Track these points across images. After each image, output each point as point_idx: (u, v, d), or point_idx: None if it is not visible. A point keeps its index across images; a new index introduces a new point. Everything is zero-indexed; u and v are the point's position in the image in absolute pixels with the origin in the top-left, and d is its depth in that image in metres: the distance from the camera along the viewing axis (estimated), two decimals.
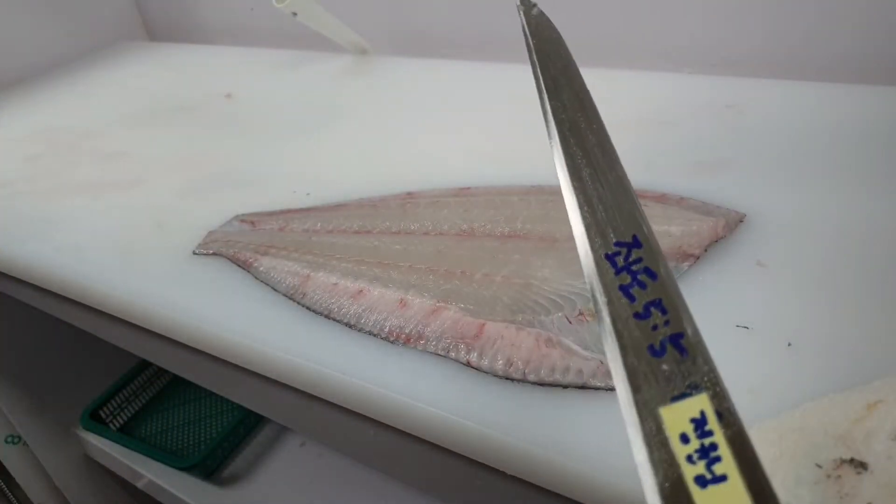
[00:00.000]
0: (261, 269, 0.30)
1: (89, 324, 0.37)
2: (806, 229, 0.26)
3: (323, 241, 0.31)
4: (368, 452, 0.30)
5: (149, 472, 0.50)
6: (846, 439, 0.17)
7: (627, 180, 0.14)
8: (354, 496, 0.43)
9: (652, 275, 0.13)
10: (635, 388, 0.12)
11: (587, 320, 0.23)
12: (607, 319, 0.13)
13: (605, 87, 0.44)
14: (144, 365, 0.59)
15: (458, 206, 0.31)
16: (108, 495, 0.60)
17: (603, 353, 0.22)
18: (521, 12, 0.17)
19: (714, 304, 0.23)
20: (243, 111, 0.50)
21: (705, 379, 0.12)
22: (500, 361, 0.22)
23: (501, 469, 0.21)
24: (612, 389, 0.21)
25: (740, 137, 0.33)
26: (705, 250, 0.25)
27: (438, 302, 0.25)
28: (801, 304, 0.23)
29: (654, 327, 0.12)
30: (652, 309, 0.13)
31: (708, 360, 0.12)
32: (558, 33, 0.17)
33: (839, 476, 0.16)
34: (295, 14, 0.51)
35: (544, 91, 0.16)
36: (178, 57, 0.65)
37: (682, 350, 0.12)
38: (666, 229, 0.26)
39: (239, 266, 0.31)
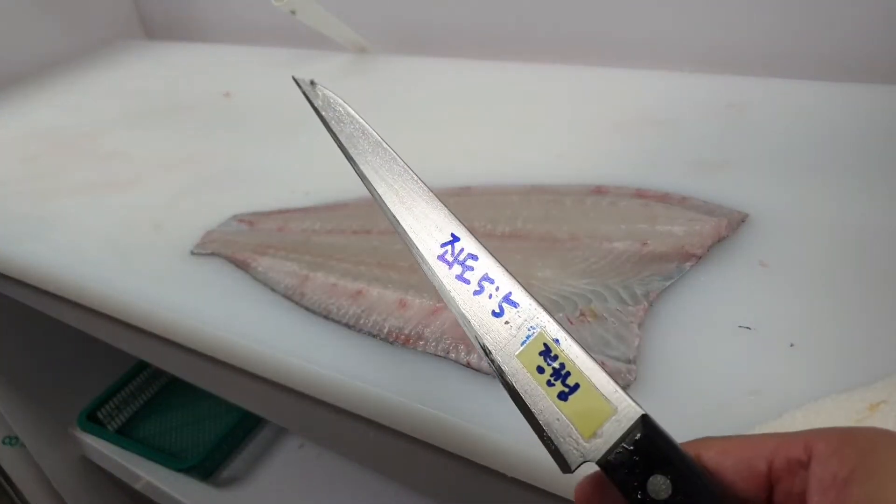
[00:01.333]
0: (259, 269, 0.30)
1: (87, 324, 0.37)
2: (809, 229, 0.26)
3: (321, 241, 0.31)
4: (367, 454, 0.29)
5: (147, 473, 0.49)
6: None
7: (433, 196, 0.17)
8: (353, 498, 0.43)
9: (474, 257, 0.16)
10: (495, 349, 0.14)
11: (588, 321, 0.23)
12: (454, 306, 0.15)
13: (606, 86, 0.44)
14: (142, 366, 0.59)
15: (458, 205, 0.31)
16: (106, 497, 0.60)
17: (604, 353, 0.22)
18: (305, 92, 0.20)
19: (716, 305, 0.23)
20: (242, 110, 0.50)
21: (537, 318, 0.14)
22: None
23: (502, 471, 0.21)
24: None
25: (742, 136, 0.33)
26: (708, 250, 0.25)
27: (438, 303, 0.25)
28: (804, 305, 0.23)
29: (490, 296, 0.15)
30: (483, 283, 0.15)
31: (532, 304, 0.15)
32: (342, 102, 0.20)
33: None
34: (294, 12, 0.51)
35: (348, 152, 0.19)
36: (176, 55, 0.65)
37: (514, 304, 0.15)
38: (668, 229, 0.26)
39: (237, 266, 0.31)
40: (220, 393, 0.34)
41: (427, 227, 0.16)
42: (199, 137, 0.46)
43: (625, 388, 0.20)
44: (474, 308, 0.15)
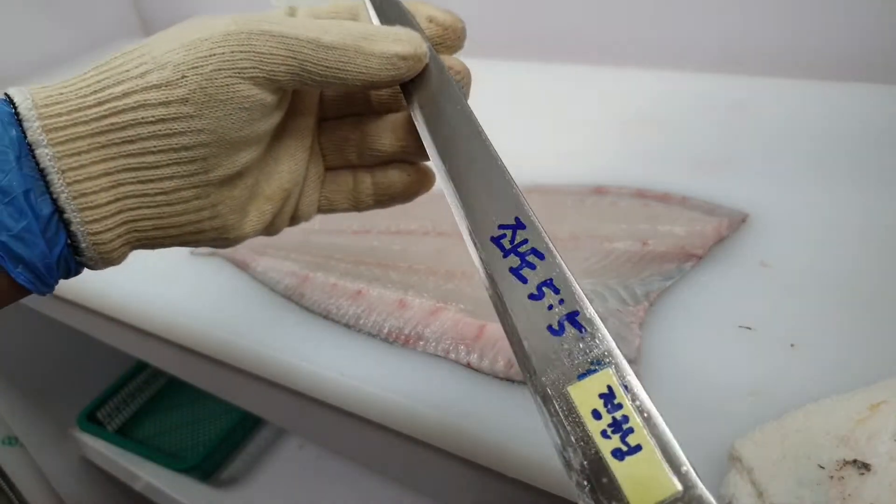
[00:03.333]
0: (258, 269, 0.30)
1: (86, 325, 0.37)
2: (809, 229, 0.26)
3: (321, 241, 0.31)
4: (367, 454, 0.29)
5: (146, 474, 0.49)
6: (849, 440, 0.17)
7: (504, 167, 0.14)
8: (352, 498, 0.43)
9: (539, 255, 0.13)
10: (541, 370, 0.12)
11: None
12: (500, 305, 0.13)
13: (607, 86, 0.44)
14: (142, 366, 0.59)
15: None
16: (106, 497, 0.60)
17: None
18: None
19: (717, 305, 0.23)
20: None
21: (606, 354, 0.12)
22: (501, 363, 0.22)
23: (501, 472, 0.21)
24: None
25: (743, 136, 0.33)
26: (708, 250, 0.25)
27: (438, 303, 0.25)
28: (804, 305, 0.23)
29: (550, 307, 0.12)
30: (544, 289, 0.13)
31: (605, 335, 0.12)
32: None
33: (842, 477, 0.16)
34: (292, 14, 0.51)
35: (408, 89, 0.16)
36: None
37: (580, 327, 0.12)
38: (669, 229, 0.26)
39: (237, 266, 0.31)
40: (219, 393, 0.34)
41: (487, 201, 0.14)
42: None
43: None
44: (526, 314, 0.12)
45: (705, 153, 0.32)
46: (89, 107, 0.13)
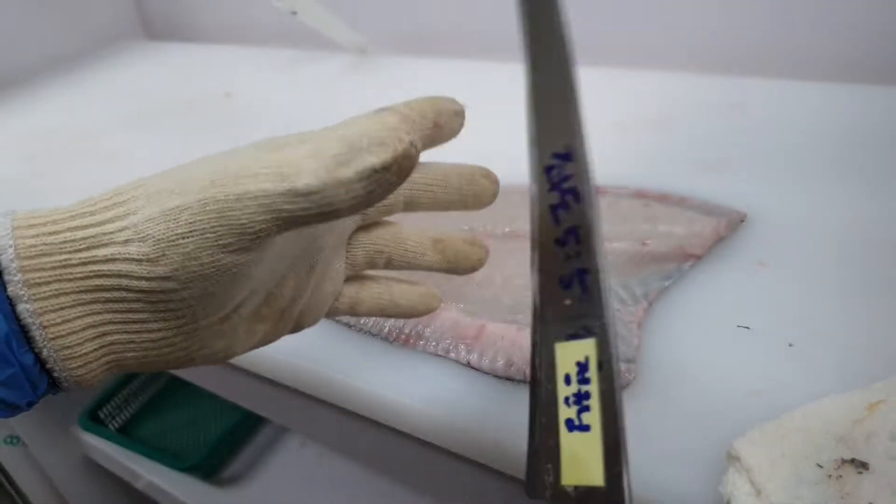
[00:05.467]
0: None
1: None
2: (808, 229, 0.26)
3: None
4: (368, 453, 0.29)
5: (148, 472, 0.49)
6: (847, 440, 0.17)
7: (579, 96, 0.14)
8: (354, 497, 0.43)
9: (577, 196, 0.12)
10: (544, 319, 0.12)
11: None
12: (532, 244, 0.13)
13: (607, 85, 0.44)
14: None
15: None
16: (107, 496, 0.60)
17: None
18: None
19: (715, 305, 0.23)
20: (242, 111, 0.50)
21: (598, 324, 0.12)
22: (501, 362, 0.22)
23: (502, 470, 0.21)
24: None
25: (742, 137, 0.33)
26: (707, 250, 0.25)
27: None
28: (803, 305, 0.23)
29: (568, 257, 0.12)
30: (570, 237, 0.12)
31: (603, 305, 0.12)
32: None
33: (840, 476, 0.16)
34: (294, 13, 0.51)
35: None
36: (176, 56, 0.65)
37: (584, 287, 0.12)
38: (668, 229, 0.26)
39: None
40: (220, 392, 0.34)
41: (551, 128, 0.13)
42: (200, 138, 0.46)
43: (623, 388, 0.20)
44: (546, 256, 0.12)
45: (704, 153, 0.32)
46: (74, 265, 0.12)
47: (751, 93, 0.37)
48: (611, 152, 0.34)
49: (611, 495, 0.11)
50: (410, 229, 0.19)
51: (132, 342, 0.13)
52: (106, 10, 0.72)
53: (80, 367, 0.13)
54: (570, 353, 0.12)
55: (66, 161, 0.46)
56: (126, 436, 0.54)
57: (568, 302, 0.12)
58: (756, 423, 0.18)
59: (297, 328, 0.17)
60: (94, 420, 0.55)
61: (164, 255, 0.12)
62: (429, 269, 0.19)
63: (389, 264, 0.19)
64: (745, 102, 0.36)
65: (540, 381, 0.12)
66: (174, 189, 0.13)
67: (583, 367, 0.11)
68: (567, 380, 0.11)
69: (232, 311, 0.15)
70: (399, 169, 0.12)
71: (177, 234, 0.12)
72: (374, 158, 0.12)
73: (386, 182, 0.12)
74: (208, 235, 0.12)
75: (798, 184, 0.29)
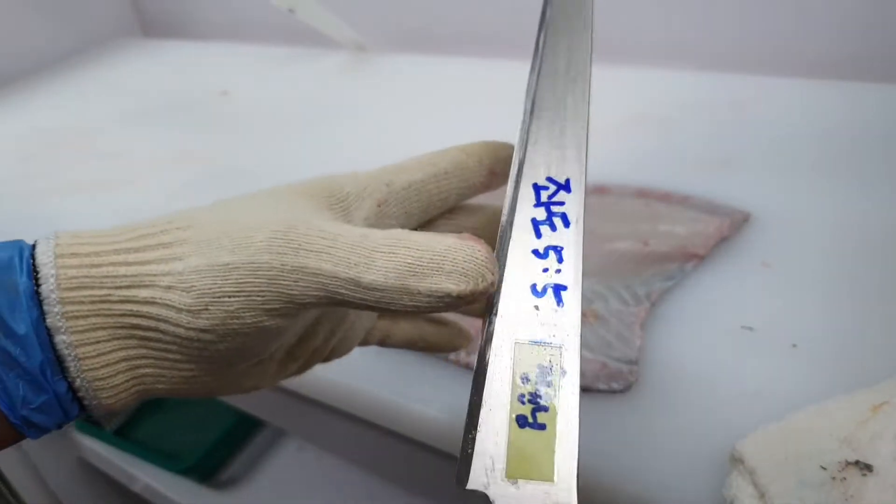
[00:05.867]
0: None
1: None
2: (812, 229, 0.26)
3: None
4: (366, 456, 0.29)
5: (145, 475, 0.49)
6: (851, 441, 0.17)
7: (587, 130, 0.14)
8: (352, 500, 0.43)
9: (566, 223, 0.13)
10: (504, 315, 0.12)
11: (590, 321, 0.23)
12: (503, 242, 0.13)
13: (607, 85, 0.44)
14: None
15: None
16: (104, 499, 0.59)
17: (605, 354, 0.22)
18: None
19: (718, 305, 0.23)
20: (239, 108, 0.49)
21: (568, 337, 0.12)
22: None
23: None
24: (615, 392, 0.21)
25: (744, 136, 0.33)
26: (710, 250, 0.25)
27: None
28: (806, 306, 0.22)
29: (545, 270, 0.12)
30: (551, 252, 0.12)
31: (576, 325, 0.12)
32: None
33: (844, 478, 0.16)
34: (292, 10, 0.50)
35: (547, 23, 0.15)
36: (173, 54, 0.64)
37: (560, 301, 0.12)
38: (670, 229, 0.26)
39: None
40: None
41: (550, 149, 0.13)
42: (197, 136, 0.46)
43: (622, 390, 0.20)
44: (520, 263, 0.12)
45: (707, 153, 0.32)
46: (114, 301, 0.12)
47: (754, 91, 0.37)
48: (612, 151, 0.34)
49: (561, 491, 0.11)
50: None
51: (163, 377, 0.13)
52: (103, 8, 0.71)
53: (110, 396, 0.13)
54: (532, 355, 0.12)
55: (64, 159, 0.46)
56: (122, 438, 0.54)
57: (537, 308, 0.12)
58: (759, 424, 0.18)
59: (327, 360, 0.17)
60: (90, 422, 0.54)
61: (206, 308, 0.12)
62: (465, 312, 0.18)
63: None
64: (749, 101, 0.36)
65: (489, 373, 0.12)
66: (226, 244, 0.12)
67: (545, 369, 0.12)
68: (524, 379, 0.12)
69: (266, 357, 0.15)
70: (471, 301, 0.12)
71: (223, 292, 0.12)
72: (453, 286, 0.12)
73: (452, 307, 0.12)
74: (255, 298, 0.12)
75: (803, 183, 0.29)
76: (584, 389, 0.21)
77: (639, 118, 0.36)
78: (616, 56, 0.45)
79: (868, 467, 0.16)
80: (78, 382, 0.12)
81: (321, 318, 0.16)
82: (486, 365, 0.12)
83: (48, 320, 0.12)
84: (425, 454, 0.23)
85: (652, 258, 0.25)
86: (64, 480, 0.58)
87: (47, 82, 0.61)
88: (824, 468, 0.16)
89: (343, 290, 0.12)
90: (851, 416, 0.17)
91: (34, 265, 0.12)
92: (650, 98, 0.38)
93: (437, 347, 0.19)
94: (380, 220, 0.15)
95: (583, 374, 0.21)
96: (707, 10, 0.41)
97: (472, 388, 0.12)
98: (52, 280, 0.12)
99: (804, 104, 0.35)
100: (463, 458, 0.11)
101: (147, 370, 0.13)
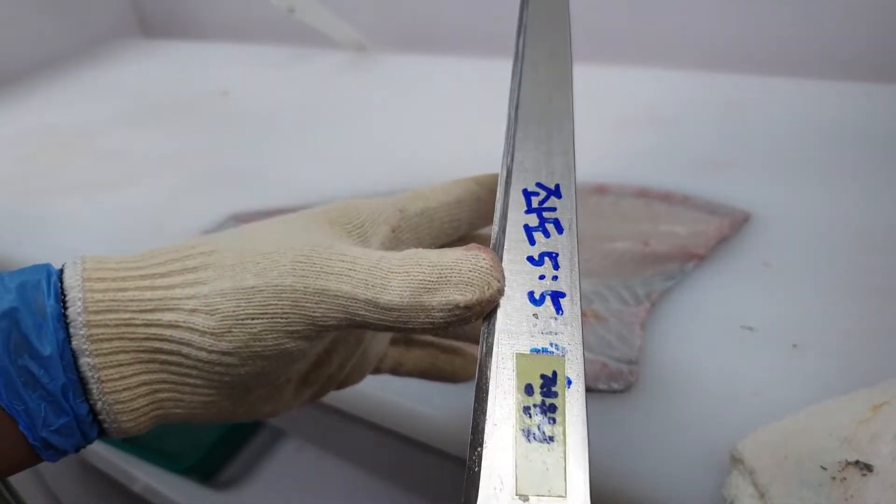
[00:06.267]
0: None
1: None
2: (812, 229, 0.26)
3: None
4: (366, 456, 0.29)
5: (145, 475, 0.49)
6: (851, 441, 0.17)
7: (573, 131, 0.14)
8: (352, 500, 0.43)
9: (559, 229, 0.13)
10: (503, 325, 0.12)
11: (590, 321, 0.23)
12: (501, 252, 0.13)
13: (607, 85, 0.44)
14: None
15: None
16: (104, 499, 0.59)
17: (605, 354, 0.22)
18: None
19: (719, 305, 0.23)
20: (240, 109, 0.49)
21: (570, 345, 0.12)
22: None
23: None
24: (615, 392, 0.21)
25: (745, 135, 0.33)
26: (710, 250, 0.25)
27: None
28: (807, 306, 0.22)
29: (542, 277, 0.12)
30: (546, 259, 0.12)
31: (578, 331, 0.12)
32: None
33: (844, 478, 0.16)
34: (292, 10, 0.50)
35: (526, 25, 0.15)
36: (173, 54, 0.64)
37: (559, 308, 0.12)
38: (671, 229, 0.26)
39: None
40: None
41: (539, 156, 0.13)
42: (198, 136, 0.46)
43: (622, 390, 0.20)
44: (515, 272, 0.12)
45: (707, 153, 0.32)
46: (138, 325, 0.13)
47: (755, 91, 0.37)
48: (613, 151, 0.34)
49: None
50: None
51: (182, 402, 0.13)
52: (103, 7, 0.71)
53: (129, 420, 0.13)
54: (534, 365, 0.11)
55: (64, 159, 0.46)
56: (122, 438, 0.53)
57: (536, 316, 0.12)
58: (759, 424, 0.18)
59: (340, 387, 0.17)
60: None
61: (229, 331, 0.12)
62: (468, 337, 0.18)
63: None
64: (750, 101, 0.36)
65: (491, 386, 0.11)
66: (251, 268, 0.13)
67: (549, 380, 0.11)
68: (528, 390, 0.11)
69: (283, 382, 0.15)
70: (481, 310, 0.12)
71: (247, 314, 0.12)
72: (459, 296, 0.12)
73: (465, 318, 0.12)
74: (278, 321, 0.12)
75: (803, 183, 0.29)
76: (585, 389, 0.21)
77: (639, 118, 0.36)
78: (616, 56, 0.45)
79: (868, 467, 0.16)
80: (99, 405, 0.12)
81: (336, 344, 0.16)
82: (488, 378, 0.11)
83: (73, 342, 0.12)
84: (425, 454, 0.23)
85: (652, 258, 0.25)
86: (64, 480, 0.58)
87: (47, 82, 0.61)
88: (824, 468, 0.16)
89: (362, 311, 0.12)
90: (851, 417, 0.17)
91: (62, 288, 0.13)
92: (650, 98, 0.38)
93: (450, 376, 0.19)
94: (394, 245, 0.15)
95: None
96: (707, 10, 0.41)
97: (475, 403, 0.11)
98: (79, 303, 0.12)
99: (804, 104, 0.35)
100: (469, 477, 0.11)
101: (166, 395, 0.13)
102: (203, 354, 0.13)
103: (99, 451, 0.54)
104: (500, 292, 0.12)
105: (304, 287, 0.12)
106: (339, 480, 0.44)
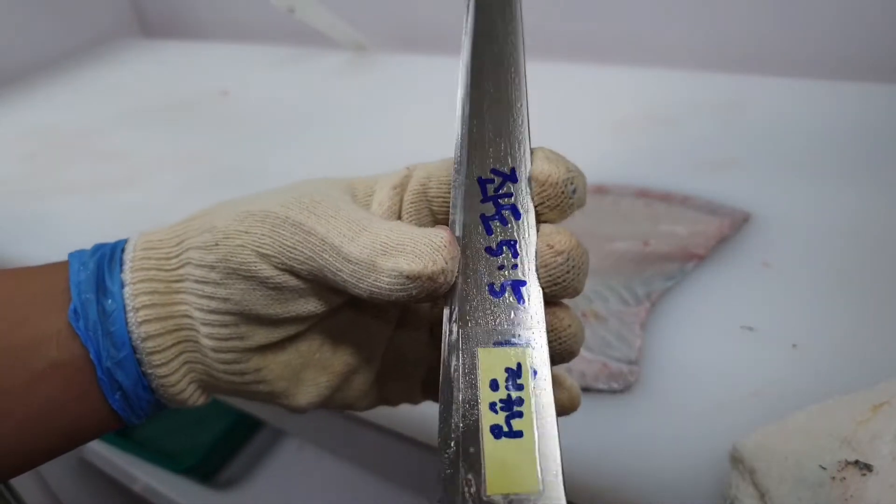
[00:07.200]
0: None
1: None
2: (812, 229, 0.26)
3: None
4: (366, 455, 0.29)
5: (145, 475, 0.49)
6: (851, 441, 0.17)
7: (526, 115, 0.14)
8: (352, 500, 0.43)
9: (517, 214, 0.12)
10: (463, 321, 0.12)
11: (590, 321, 0.23)
12: (460, 244, 0.12)
13: (609, 84, 0.44)
14: None
15: None
16: (104, 499, 0.59)
17: (605, 354, 0.22)
18: None
19: (719, 305, 0.23)
20: (240, 109, 0.49)
21: (533, 334, 0.11)
22: None
23: None
24: (615, 392, 0.21)
25: (745, 136, 0.33)
26: (710, 250, 0.25)
27: None
28: (807, 305, 0.22)
29: (501, 267, 0.12)
30: (505, 248, 0.12)
31: (541, 319, 0.12)
32: None
33: (844, 478, 0.16)
34: (292, 10, 0.50)
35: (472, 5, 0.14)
36: (173, 54, 0.64)
37: (520, 297, 0.12)
38: (671, 229, 0.26)
39: None
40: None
41: (494, 140, 0.13)
42: (197, 136, 0.46)
43: (622, 390, 0.20)
44: (473, 264, 0.12)
45: (707, 153, 0.32)
46: (171, 257, 0.14)
47: (755, 91, 0.37)
48: (612, 151, 0.34)
49: (549, 500, 0.10)
50: None
51: (197, 343, 0.14)
52: (102, 8, 0.71)
53: (162, 364, 0.14)
54: (498, 359, 0.11)
55: (62, 160, 0.46)
56: (123, 438, 0.54)
57: (497, 309, 0.12)
58: (759, 424, 0.18)
59: (386, 400, 0.17)
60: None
61: (217, 244, 0.14)
62: None
63: None
64: (749, 101, 0.36)
65: (455, 385, 0.11)
66: (253, 200, 0.14)
67: (514, 372, 0.11)
68: (493, 385, 0.11)
69: (284, 342, 0.15)
70: (422, 286, 0.12)
71: (233, 231, 0.13)
72: (406, 265, 0.12)
73: (408, 292, 0.12)
74: (254, 238, 0.13)
75: (803, 183, 0.29)
76: (585, 389, 0.21)
77: (639, 118, 0.36)
78: (616, 56, 0.45)
79: (868, 467, 0.16)
80: (133, 338, 0.14)
81: (353, 327, 0.15)
82: (451, 376, 0.11)
83: (123, 276, 0.14)
84: (425, 454, 0.23)
85: (652, 258, 0.25)
86: (64, 480, 0.58)
87: (47, 82, 0.61)
88: (824, 468, 0.16)
89: (327, 256, 0.13)
90: (851, 416, 0.17)
91: (124, 248, 0.15)
92: (651, 98, 0.38)
93: None
94: (395, 206, 0.15)
95: (583, 375, 0.21)
96: (707, 9, 0.41)
97: (440, 405, 0.11)
98: (132, 245, 0.14)
99: (804, 104, 0.35)
100: (441, 481, 0.10)
101: (184, 332, 0.14)
102: (197, 272, 0.14)
103: (99, 450, 0.54)
104: (445, 273, 0.12)
105: (286, 217, 0.13)
106: (339, 480, 0.44)
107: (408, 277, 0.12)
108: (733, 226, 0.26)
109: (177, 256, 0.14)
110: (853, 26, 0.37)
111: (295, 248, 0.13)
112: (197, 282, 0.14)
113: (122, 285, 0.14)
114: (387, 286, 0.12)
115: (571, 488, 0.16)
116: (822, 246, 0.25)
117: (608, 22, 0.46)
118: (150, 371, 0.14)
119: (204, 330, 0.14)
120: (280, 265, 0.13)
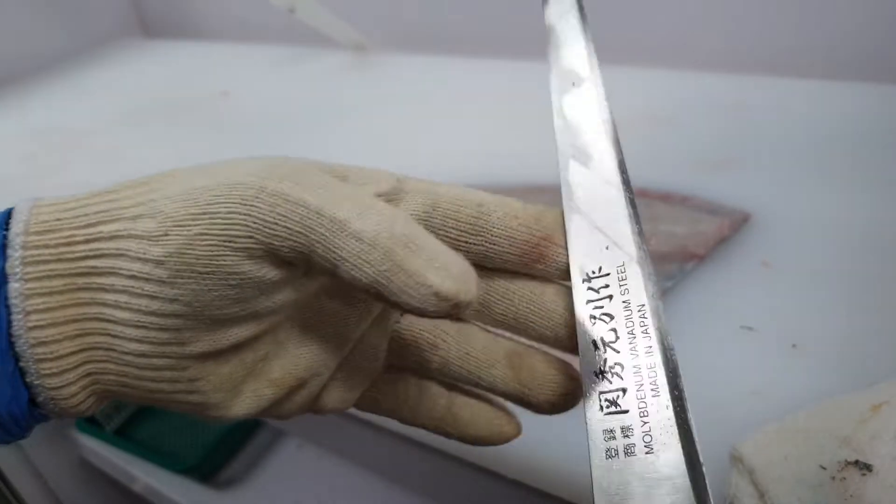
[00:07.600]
0: None
1: None
2: (812, 229, 0.26)
3: None
4: (366, 455, 0.29)
5: (145, 474, 0.49)
6: (851, 441, 0.17)
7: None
8: (352, 499, 0.43)
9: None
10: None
11: None
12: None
13: (608, 84, 0.44)
14: None
15: None
16: (104, 498, 0.59)
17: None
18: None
19: (718, 305, 0.23)
20: (240, 109, 0.49)
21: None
22: None
23: (502, 473, 0.21)
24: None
25: (744, 136, 0.33)
26: (710, 250, 0.25)
27: None
28: (806, 305, 0.22)
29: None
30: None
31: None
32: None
33: (844, 478, 0.16)
34: (292, 10, 0.50)
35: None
36: (173, 54, 0.64)
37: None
38: (670, 229, 0.26)
39: None
40: None
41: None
42: (198, 136, 0.46)
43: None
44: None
45: (707, 152, 0.32)
46: (77, 243, 0.11)
47: (753, 92, 0.37)
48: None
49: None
50: (482, 332, 0.14)
51: (113, 350, 0.11)
52: (103, 8, 0.72)
53: (55, 375, 0.11)
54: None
55: (65, 160, 0.46)
56: (123, 437, 0.54)
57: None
58: (759, 424, 0.18)
59: (319, 408, 0.14)
60: (90, 421, 0.54)
61: (166, 234, 0.11)
62: (492, 387, 0.14)
63: (445, 368, 0.14)
64: (749, 101, 0.36)
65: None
66: (208, 171, 0.11)
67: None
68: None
69: (231, 353, 0.12)
70: (446, 309, 0.10)
71: (189, 214, 0.11)
72: (437, 280, 0.10)
73: (426, 304, 0.10)
74: (218, 222, 0.10)
75: (803, 183, 0.29)
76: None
77: (639, 118, 0.36)
78: (616, 56, 0.45)
79: (868, 467, 0.16)
80: (19, 343, 0.11)
81: (305, 331, 0.13)
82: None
83: (7, 265, 0.11)
84: (425, 453, 0.23)
85: (652, 258, 0.25)
86: (64, 480, 0.58)
87: (48, 82, 0.62)
88: (824, 468, 0.16)
89: (323, 231, 0.10)
90: (851, 416, 0.17)
91: (9, 213, 0.11)
92: (650, 98, 0.38)
93: (473, 432, 0.15)
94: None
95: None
96: (707, 10, 0.41)
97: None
98: (21, 225, 0.11)
99: (804, 104, 0.35)
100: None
101: (97, 338, 0.11)
102: (135, 267, 0.11)
103: (99, 450, 0.54)
104: (469, 306, 0.10)
105: (262, 187, 0.10)
106: (339, 480, 0.44)
107: (436, 294, 0.10)
108: (733, 226, 0.26)
109: (86, 243, 0.11)
110: (853, 26, 0.37)
111: (278, 224, 0.10)
112: (132, 278, 0.11)
113: (6, 279, 0.10)
114: (402, 289, 0.10)
115: (572, 488, 0.16)
116: (822, 246, 0.25)
117: (608, 22, 0.45)
118: (36, 382, 0.11)
119: (132, 333, 0.11)
120: (254, 251, 0.10)
